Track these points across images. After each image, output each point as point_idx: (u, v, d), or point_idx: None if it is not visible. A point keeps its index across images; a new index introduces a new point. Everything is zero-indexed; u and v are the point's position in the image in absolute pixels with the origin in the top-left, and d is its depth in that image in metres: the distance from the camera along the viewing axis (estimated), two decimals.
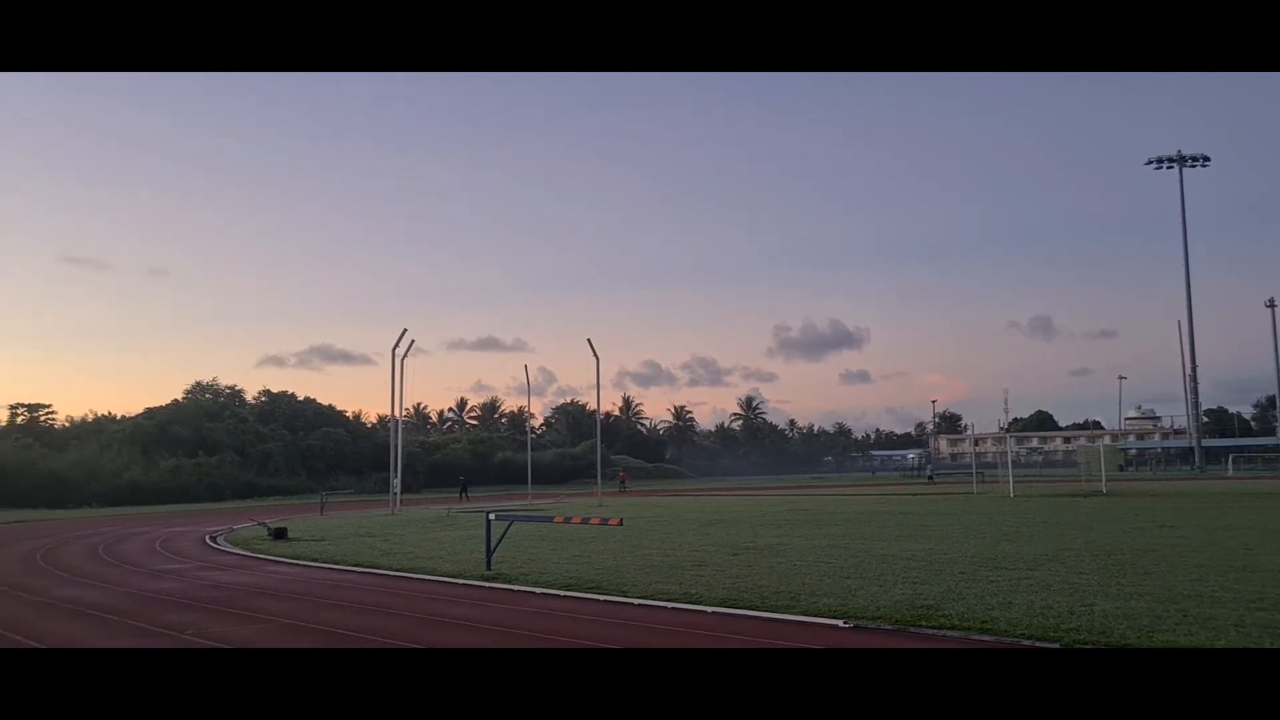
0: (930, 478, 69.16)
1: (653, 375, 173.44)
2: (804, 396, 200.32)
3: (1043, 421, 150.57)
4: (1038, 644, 8.46)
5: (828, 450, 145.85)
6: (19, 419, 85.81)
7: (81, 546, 23.74)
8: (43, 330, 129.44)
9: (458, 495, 54.78)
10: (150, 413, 78.41)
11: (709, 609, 11.03)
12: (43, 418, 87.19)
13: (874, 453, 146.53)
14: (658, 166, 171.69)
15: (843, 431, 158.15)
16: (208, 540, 24.99)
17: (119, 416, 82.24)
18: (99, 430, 76.38)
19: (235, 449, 73.91)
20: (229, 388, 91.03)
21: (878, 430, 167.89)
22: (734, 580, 13.23)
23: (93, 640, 10.02)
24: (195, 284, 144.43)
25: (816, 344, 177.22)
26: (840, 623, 9.86)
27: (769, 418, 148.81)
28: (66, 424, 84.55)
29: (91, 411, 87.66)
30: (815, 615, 10.33)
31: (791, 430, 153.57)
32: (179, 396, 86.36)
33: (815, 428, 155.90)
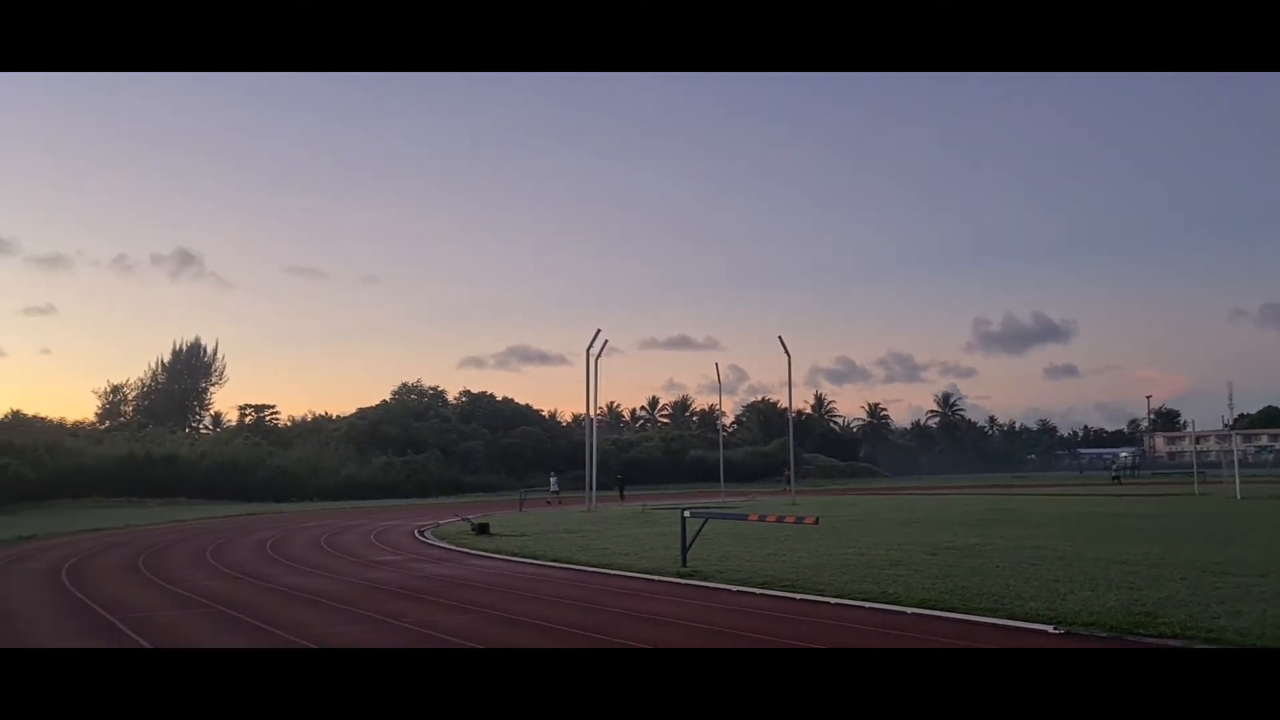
0: (1116, 478, 64.35)
1: (846, 372, 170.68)
2: (1005, 392, 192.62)
3: (1273, 418, 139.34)
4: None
5: (1030, 448, 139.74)
6: (247, 419, 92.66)
7: (305, 538, 25.39)
8: (268, 336, 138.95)
9: (617, 494, 54.50)
10: (362, 413, 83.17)
11: (908, 610, 10.82)
12: (268, 418, 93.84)
13: (1081, 451, 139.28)
14: (849, 160, 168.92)
15: (1047, 429, 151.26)
16: (416, 534, 26.26)
17: (335, 416, 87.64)
18: (317, 429, 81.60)
19: (439, 447, 77.25)
20: (432, 388, 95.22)
21: (1085, 427, 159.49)
22: (933, 581, 12.92)
23: (322, 626, 10.73)
24: (402, 290, 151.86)
25: (1019, 337, 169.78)
26: (1050, 628, 9.48)
27: (967, 414, 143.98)
28: (289, 423, 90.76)
29: (310, 412, 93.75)
30: (1021, 619, 9.97)
31: (991, 427, 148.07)
32: (387, 397, 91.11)
33: (1017, 425, 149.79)
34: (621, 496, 52.90)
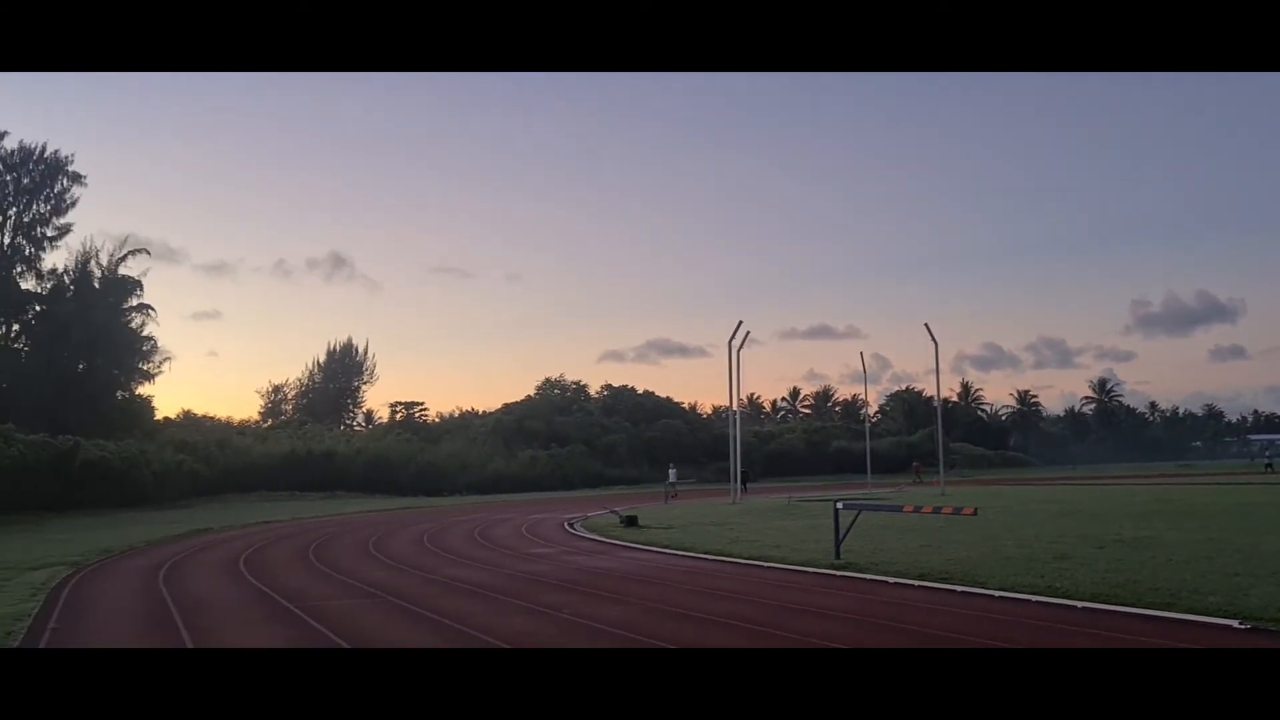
0: (1269, 465, 60.00)
1: (994, 358, 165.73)
2: (1166, 377, 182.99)
3: None
4: None
5: (1196, 435, 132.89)
6: (398, 416, 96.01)
7: (460, 531, 26.13)
8: (417, 334, 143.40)
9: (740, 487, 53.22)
10: (508, 408, 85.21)
11: (1078, 604, 10.45)
12: (417, 414, 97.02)
13: (1253, 437, 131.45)
14: (992, 146, 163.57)
15: (1213, 414, 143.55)
16: (566, 526, 26.72)
17: (481, 412, 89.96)
18: (465, 425, 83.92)
19: (583, 441, 78.34)
20: (574, 383, 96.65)
21: (1256, 412, 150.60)
22: (1102, 575, 12.44)
23: (485, 616, 11.03)
24: (545, 287, 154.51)
25: (1181, 319, 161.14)
26: (1235, 623, 9.02)
27: (1125, 400, 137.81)
28: (437, 419, 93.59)
29: (458, 408, 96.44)
30: (1202, 614, 9.52)
31: (1152, 413, 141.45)
32: (532, 392, 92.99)
33: (1180, 410, 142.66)
34: (744, 490, 51.64)
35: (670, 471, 49.80)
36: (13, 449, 38.72)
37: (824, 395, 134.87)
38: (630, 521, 25.35)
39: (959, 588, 12.02)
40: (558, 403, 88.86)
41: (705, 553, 17.86)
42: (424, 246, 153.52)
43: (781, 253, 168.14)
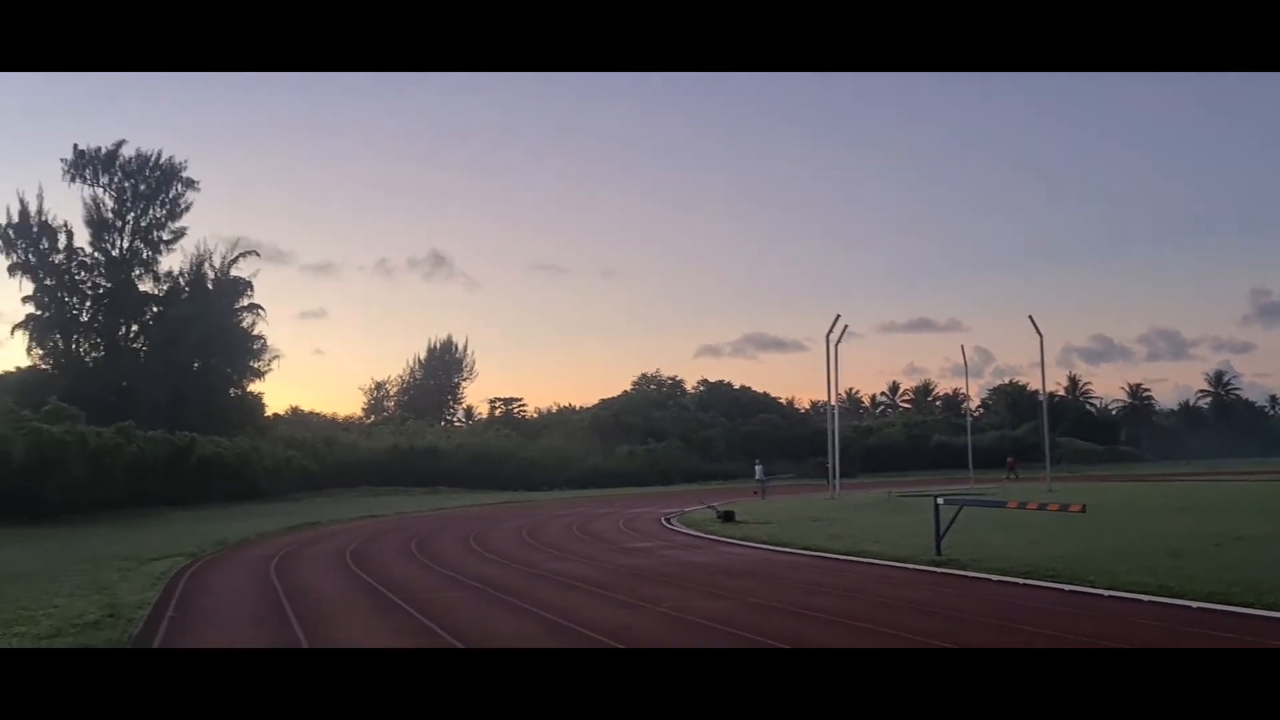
0: None
1: (1103, 350, 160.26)
2: None
3: None
4: None
5: None
6: (497, 412, 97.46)
7: (559, 525, 26.43)
8: (515, 331, 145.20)
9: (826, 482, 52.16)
10: (605, 404, 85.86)
11: (1192, 604, 10.10)
12: (516, 410, 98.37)
13: None
14: (1097, 131, 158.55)
15: None
16: (664, 521, 26.82)
17: (579, 408, 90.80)
18: (563, 421, 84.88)
19: (680, 436, 78.48)
20: (671, 378, 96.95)
21: None
22: (1219, 573, 11.99)
23: (586, 610, 11.15)
24: (639, 282, 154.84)
25: None
26: None
27: (1243, 393, 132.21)
28: (536, 415, 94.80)
29: (555, 403, 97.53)
30: None
31: (1272, 407, 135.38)
32: (628, 388, 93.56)
33: None
34: (828, 484, 50.55)
35: (757, 467, 49.06)
36: (134, 446, 40.39)
37: (924, 389, 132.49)
38: (727, 516, 25.33)
39: (1065, 586, 11.73)
40: (654, 398, 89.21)
41: (803, 548, 17.76)
42: (521, 244, 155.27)
43: (881, 245, 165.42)
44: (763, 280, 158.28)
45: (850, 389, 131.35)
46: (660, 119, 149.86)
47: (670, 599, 11.73)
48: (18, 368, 56.68)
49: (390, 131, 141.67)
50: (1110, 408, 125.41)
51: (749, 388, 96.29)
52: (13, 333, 55.23)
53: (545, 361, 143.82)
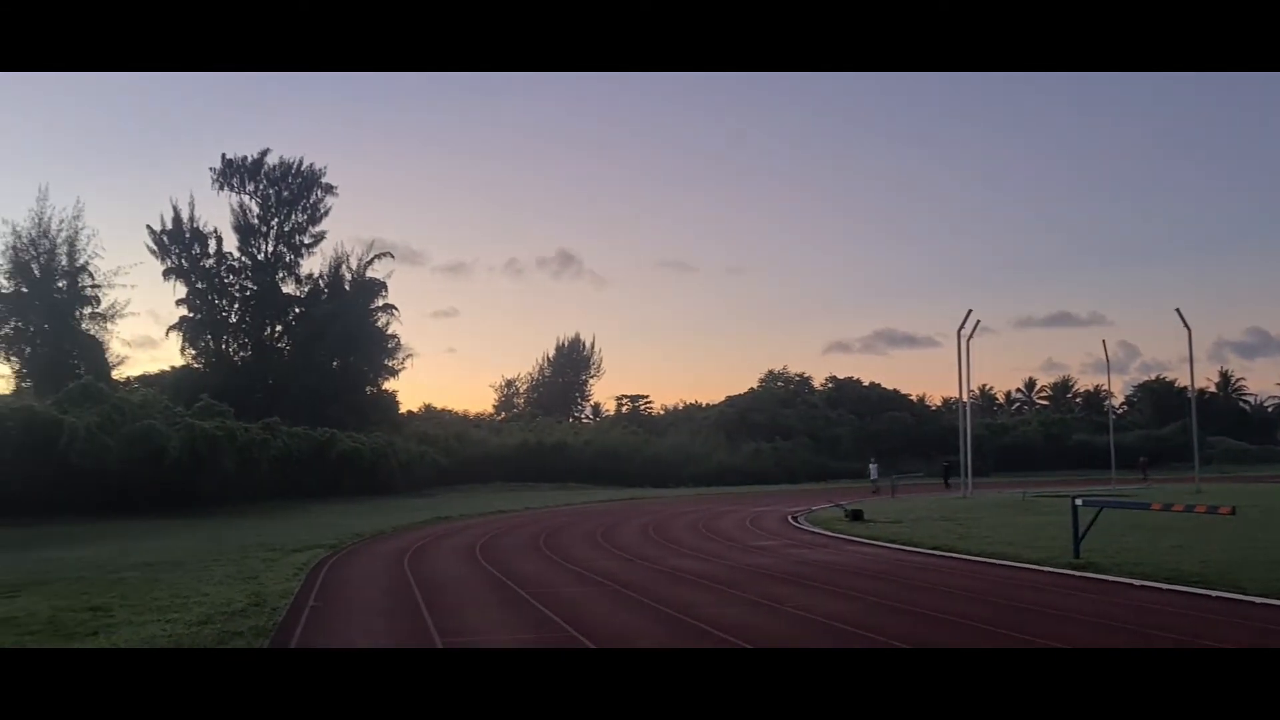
0: None
1: (1259, 344, 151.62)
2: None
3: None
4: None
5: None
6: (624, 409, 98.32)
7: (684, 522, 26.48)
8: (641, 328, 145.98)
9: (942, 483, 49.75)
10: (731, 401, 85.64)
11: None
12: (642, 407, 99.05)
13: None
14: (1251, 112, 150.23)
15: None
16: (790, 520, 26.59)
17: (705, 405, 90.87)
18: (689, 418, 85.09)
19: (807, 433, 77.77)
20: (798, 375, 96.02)
21: None
22: None
23: (708, 606, 11.14)
24: (766, 279, 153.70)
25: None
26: None
27: None
28: (662, 412, 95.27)
29: (681, 401, 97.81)
30: None
31: None
32: (754, 385, 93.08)
33: None
34: (946, 485, 48.35)
35: (871, 466, 47.64)
36: (279, 441, 42.20)
37: (1063, 386, 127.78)
38: (856, 515, 24.97)
39: (1214, 592, 11.16)
40: (781, 395, 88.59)
41: (934, 548, 17.37)
42: (648, 242, 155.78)
43: (1017, 237, 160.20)
44: (894, 275, 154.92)
45: (984, 385, 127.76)
46: (789, 115, 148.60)
47: (795, 598, 11.61)
48: (172, 367, 60.05)
49: (520, 132, 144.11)
50: (1266, 405, 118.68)
51: (878, 384, 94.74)
52: (167, 334, 58.47)
53: (672, 358, 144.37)
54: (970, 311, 39.83)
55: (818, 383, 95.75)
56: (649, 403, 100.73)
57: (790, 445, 74.32)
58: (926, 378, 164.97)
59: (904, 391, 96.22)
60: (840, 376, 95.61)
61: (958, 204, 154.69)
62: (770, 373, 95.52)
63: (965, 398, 41.58)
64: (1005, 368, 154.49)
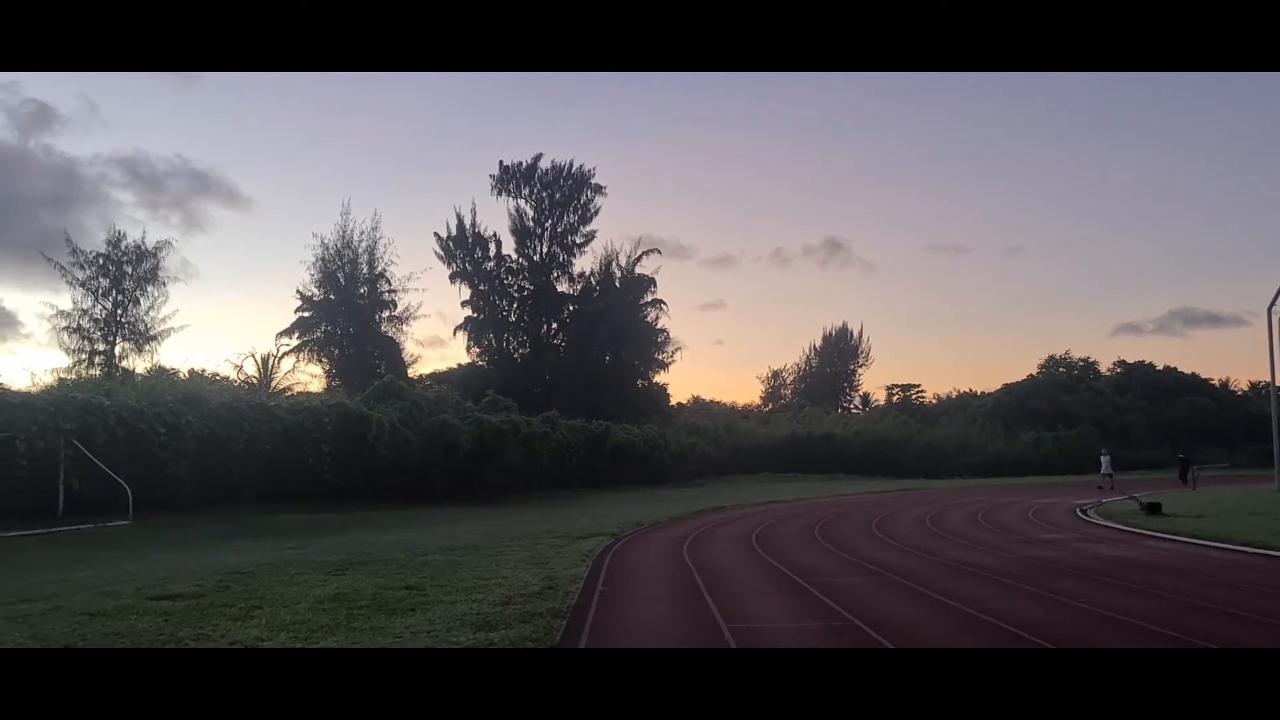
0: None
1: None
2: None
3: None
4: None
5: None
6: (895, 398, 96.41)
7: (961, 513, 25.76)
8: (912, 315, 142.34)
9: (1179, 477, 43.77)
10: (1008, 388, 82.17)
11: None
12: (914, 396, 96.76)
13: None
14: None
15: None
16: (1078, 512, 25.33)
17: (979, 393, 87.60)
18: (963, 406, 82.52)
19: (1092, 421, 73.46)
20: (1082, 360, 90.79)
21: None
22: None
23: (993, 600, 10.89)
24: (1048, 259, 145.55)
25: None
26: None
27: None
28: (934, 401, 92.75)
29: (954, 389, 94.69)
30: None
31: None
32: (1034, 371, 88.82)
33: None
34: (1184, 480, 42.23)
35: (1103, 459, 42.75)
36: (558, 433, 44.43)
37: None
38: (1153, 509, 23.42)
39: None
40: (1063, 381, 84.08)
41: (1243, 544, 16.09)
42: (919, 225, 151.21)
43: None
44: (1194, 249, 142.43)
45: None
46: (1065, 84, 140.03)
47: (1087, 593, 11.14)
48: (459, 364, 64.48)
49: (783, 123, 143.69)
50: None
51: (1174, 368, 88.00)
52: (455, 333, 62.88)
53: (944, 346, 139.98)
54: None
55: (1104, 367, 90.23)
56: (920, 392, 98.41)
57: (1074, 434, 70.38)
58: (1232, 360, 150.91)
59: (1204, 375, 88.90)
60: (1130, 360, 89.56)
61: (1267, 162, 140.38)
62: (1051, 358, 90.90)
63: (1277, 381, 37.89)
64: None
